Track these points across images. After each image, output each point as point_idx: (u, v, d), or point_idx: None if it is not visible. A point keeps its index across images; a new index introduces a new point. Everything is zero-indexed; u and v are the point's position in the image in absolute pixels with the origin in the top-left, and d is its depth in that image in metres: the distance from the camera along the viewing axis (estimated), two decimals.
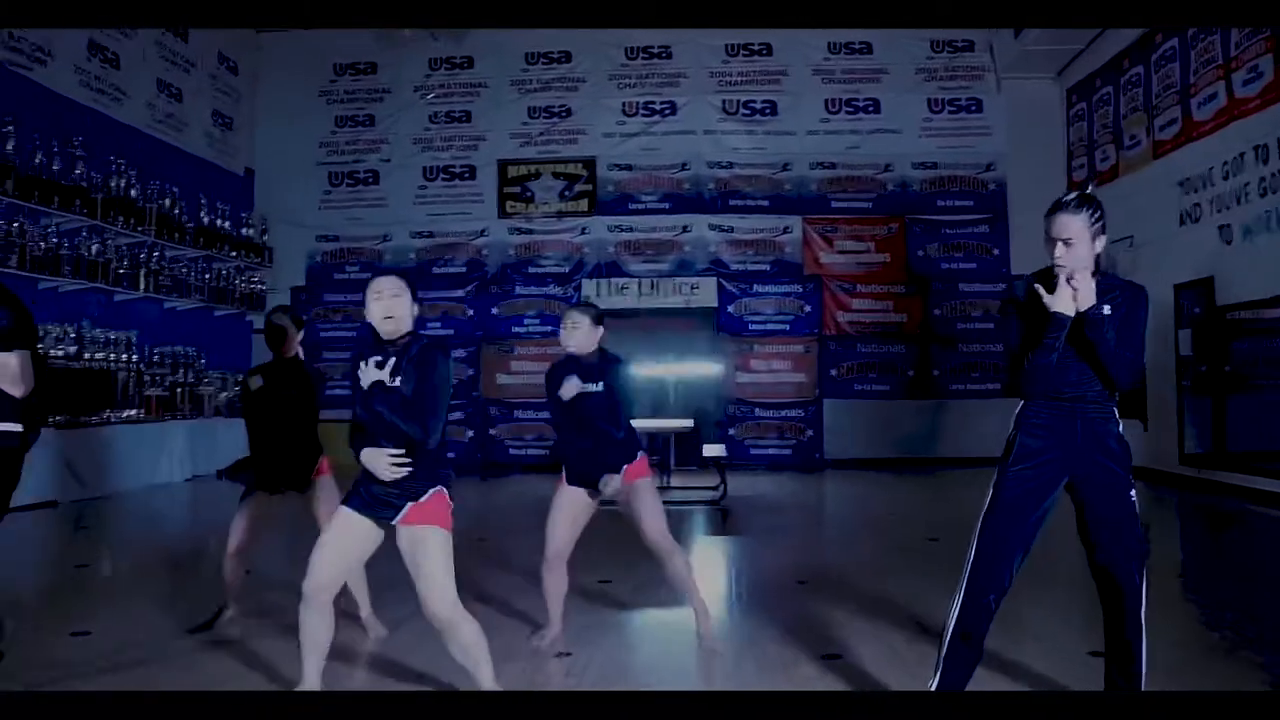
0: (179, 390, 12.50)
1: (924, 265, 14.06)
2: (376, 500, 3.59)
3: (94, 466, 10.58)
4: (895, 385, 13.82)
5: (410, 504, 3.55)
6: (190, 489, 11.75)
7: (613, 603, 5.66)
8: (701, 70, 14.50)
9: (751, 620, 5.29)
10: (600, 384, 4.71)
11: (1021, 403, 3.58)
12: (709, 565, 7.11)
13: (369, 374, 3.61)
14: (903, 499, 10.96)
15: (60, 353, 10.77)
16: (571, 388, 4.69)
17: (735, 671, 4.35)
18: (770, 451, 13.65)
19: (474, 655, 3.59)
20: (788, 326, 14.04)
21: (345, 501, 3.68)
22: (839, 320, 13.98)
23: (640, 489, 4.80)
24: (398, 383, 3.56)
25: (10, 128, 10.25)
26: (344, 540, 3.63)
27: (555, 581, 4.81)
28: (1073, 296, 3.38)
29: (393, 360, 3.60)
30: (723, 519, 9.24)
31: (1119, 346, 3.43)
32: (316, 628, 3.58)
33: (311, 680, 3.59)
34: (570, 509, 4.81)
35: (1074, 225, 3.39)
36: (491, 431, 14.42)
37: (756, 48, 14.41)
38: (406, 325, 3.67)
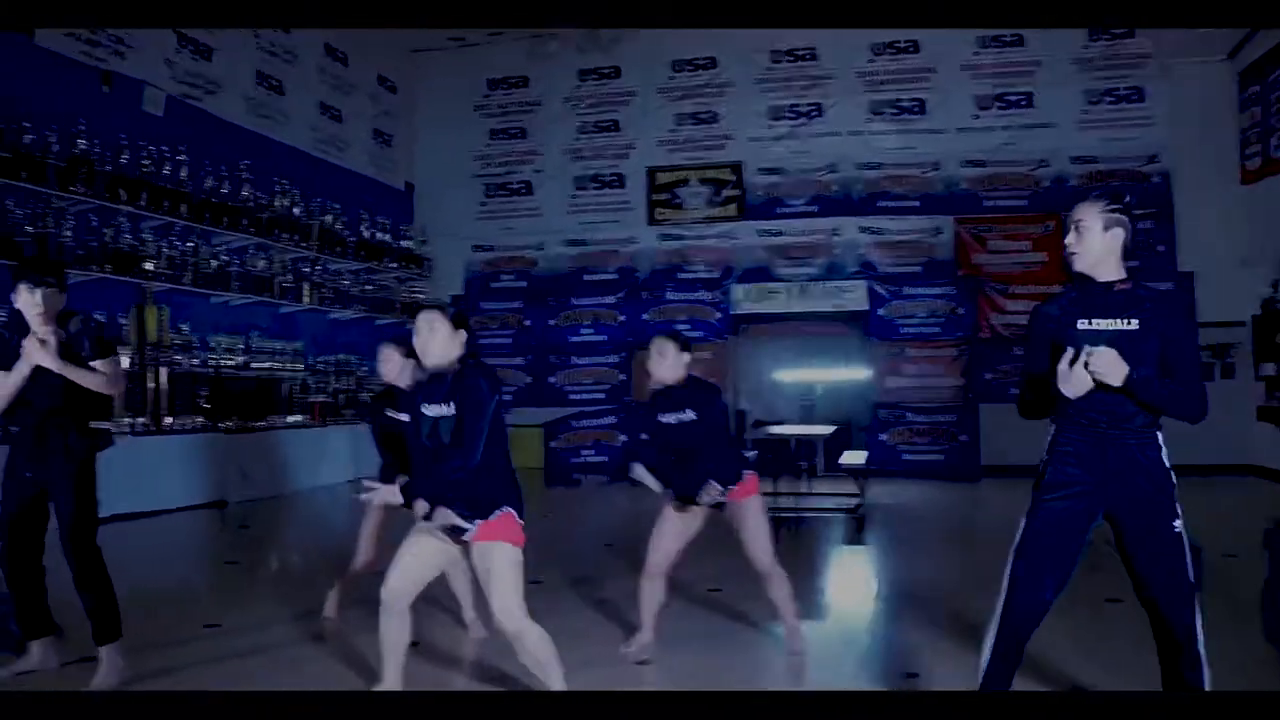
0: (341, 396, 13.18)
1: None
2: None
3: (261, 469, 11.27)
4: None
5: (480, 523, 3.74)
6: (350, 491, 12.34)
7: (718, 610, 5.78)
8: (848, 70, 14.35)
9: (841, 636, 5.36)
10: (693, 412, 4.77)
11: (1054, 428, 3.46)
12: (824, 575, 7.13)
13: (430, 410, 3.79)
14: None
15: (231, 362, 11.52)
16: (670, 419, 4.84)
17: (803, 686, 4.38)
18: (922, 458, 13.50)
19: (542, 662, 3.75)
20: (940, 329, 13.84)
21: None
22: (993, 323, 13.70)
23: (747, 508, 4.89)
24: (449, 409, 3.74)
25: (184, 157, 10.98)
26: (419, 555, 3.86)
27: (652, 592, 4.93)
28: (1091, 379, 3.18)
29: (444, 389, 3.76)
30: (856, 528, 9.22)
31: (1176, 382, 3.23)
32: (394, 631, 3.82)
33: (391, 680, 3.81)
34: (675, 524, 4.91)
35: (1087, 211, 3.32)
36: (643, 436, 14.63)
37: (903, 45, 14.18)
38: (452, 354, 3.77)
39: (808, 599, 5.75)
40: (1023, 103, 13.93)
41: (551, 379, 15.14)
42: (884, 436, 13.67)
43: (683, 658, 4.85)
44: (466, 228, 15.68)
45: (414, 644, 4.04)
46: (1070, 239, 3.35)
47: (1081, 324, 3.32)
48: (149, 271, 10.41)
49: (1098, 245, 3.32)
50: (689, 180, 14.91)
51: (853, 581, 7.18)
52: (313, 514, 10.85)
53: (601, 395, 14.89)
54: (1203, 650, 3.33)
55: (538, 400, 15.03)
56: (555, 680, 3.74)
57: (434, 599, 5.38)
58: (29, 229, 9.28)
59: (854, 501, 10.31)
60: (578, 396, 14.98)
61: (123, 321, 10.20)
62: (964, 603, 5.89)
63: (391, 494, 3.82)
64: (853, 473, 10.65)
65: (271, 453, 11.48)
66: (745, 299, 14.53)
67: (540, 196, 15.51)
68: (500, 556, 3.72)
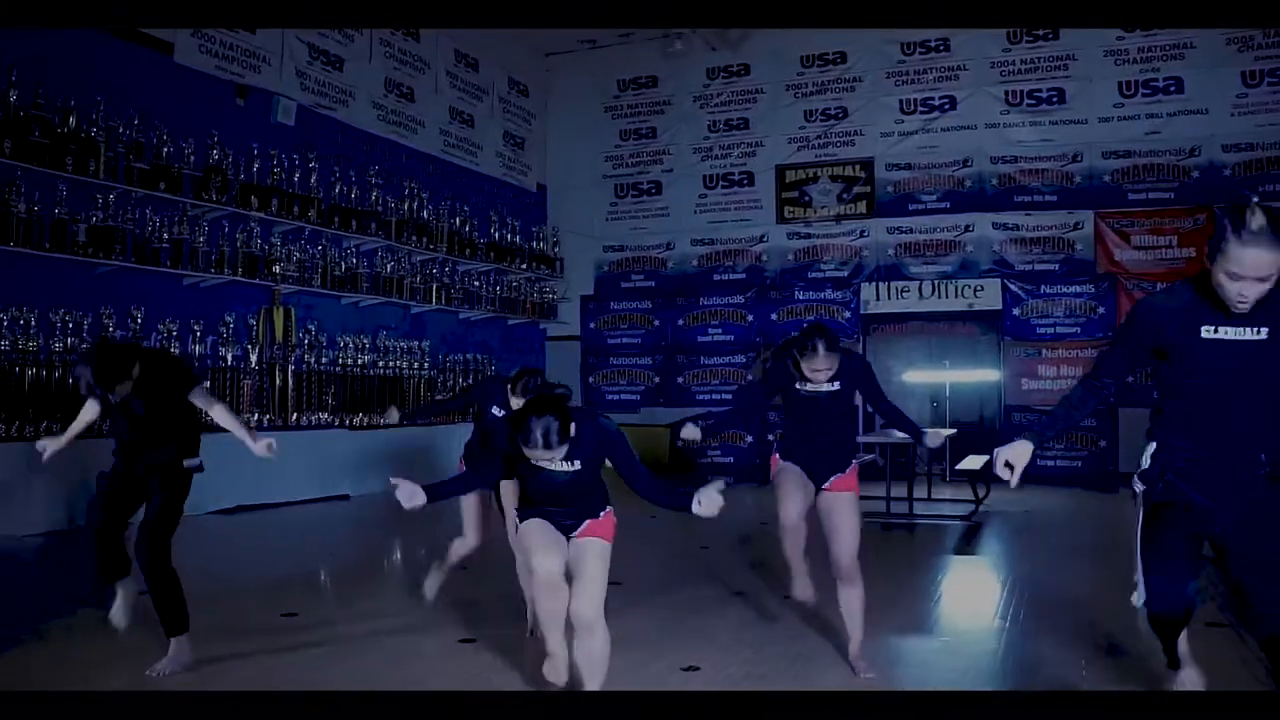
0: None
1: None
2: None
3: (386, 465, 11.61)
4: None
5: (589, 520, 3.95)
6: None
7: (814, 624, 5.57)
8: (982, 61, 13.86)
9: (902, 654, 5.16)
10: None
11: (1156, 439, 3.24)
12: (916, 584, 6.76)
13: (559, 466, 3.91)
14: None
15: (359, 361, 11.90)
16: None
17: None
18: (1059, 463, 12.97)
19: (596, 661, 3.83)
20: (1079, 330, 13.25)
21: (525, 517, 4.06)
22: None
23: (840, 502, 4.86)
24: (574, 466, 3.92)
25: (313, 164, 11.42)
26: (548, 533, 3.98)
27: (793, 539, 5.00)
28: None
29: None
30: (968, 537, 8.91)
31: None
32: (561, 604, 3.88)
33: (561, 651, 3.93)
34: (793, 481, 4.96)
35: (1273, 263, 2.90)
36: (770, 437, 14.53)
37: (1041, 33, 13.59)
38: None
39: (889, 608, 5.58)
40: (1171, 88, 13.18)
41: (679, 379, 15.14)
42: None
43: (740, 662, 4.69)
44: (597, 228, 15.82)
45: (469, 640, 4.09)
46: (1249, 289, 2.98)
47: (1206, 331, 3.09)
48: (277, 274, 10.87)
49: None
50: (818, 177, 14.67)
51: (946, 593, 6.92)
52: (431, 509, 11.09)
53: (729, 395, 14.81)
54: None
55: (665, 400, 15.07)
56: (596, 681, 3.82)
57: (482, 601, 5.49)
58: (165, 236, 9.80)
59: (971, 508, 10.01)
60: (705, 396, 14.94)
61: (252, 322, 10.67)
62: (1064, 622, 5.62)
63: (412, 495, 3.94)
64: (972, 478, 10.35)
65: (395, 449, 11.82)
66: (875, 298, 14.22)
67: (669, 196, 15.51)
68: (598, 550, 3.89)
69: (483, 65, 14.71)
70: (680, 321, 15.22)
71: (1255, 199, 3.10)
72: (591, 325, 15.69)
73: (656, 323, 15.35)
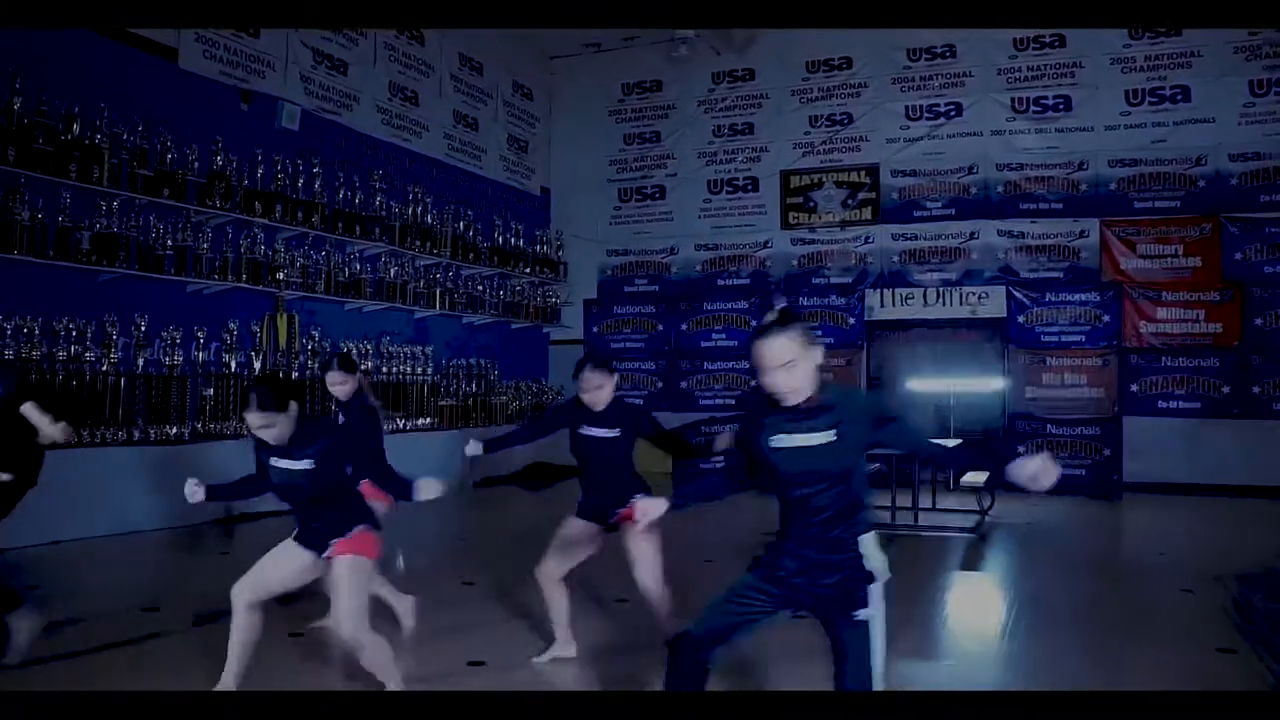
0: (471, 401, 13.42)
1: (1242, 270, 12.74)
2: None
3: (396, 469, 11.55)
4: (1206, 403, 12.69)
5: (337, 540, 4.08)
6: (477, 494, 12.49)
7: None
8: (988, 68, 13.81)
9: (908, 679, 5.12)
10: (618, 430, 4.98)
11: None
12: (924, 604, 6.59)
13: None
14: (1198, 532, 10.12)
15: (363, 367, 11.82)
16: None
17: None
18: (1062, 472, 12.91)
19: (380, 670, 3.99)
20: (1084, 338, 13.20)
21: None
22: (1142, 331, 13.01)
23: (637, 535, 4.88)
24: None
25: (317, 169, 11.38)
26: (278, 562, 4.19)
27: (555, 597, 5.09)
28: None
29: None
30: (973, 551, 8.85)
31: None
32: (239, 630, 4.04)
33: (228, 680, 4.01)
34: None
35: (789, 348, 3.04)
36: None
37: (1048, 40, 13.55)
38: None
39: (906, 630, 5.52)
40: (1178, 96, 13.14)
41: (683, 383, 15.10)
42: (1021, 449, 13.16)
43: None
44: (600, 232, 15.79)
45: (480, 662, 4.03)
46: (782, 379, 3.04)
47: (776, 441, 3.14)
48: (281, 280, 10.83)
49: (807, 372, 3.07)
50: (823, 183, 14.63)
51: (955, 613, 6.87)
52: (438, 513, 11.03)
53: (732, 400, 14.78)
54: None
55: (669, 404, 15.02)
56: (394, 682, 3.99)
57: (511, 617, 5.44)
58: (169, 242, 9.77)
59: (975, 521, 9.96)
60: (708, 401, 14.90)
61: (255, 329, 10.63)
62: (1070, 642, 5.58)
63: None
64: (976, 490, 10.29)
65: (398, 456, 11.75)
66: (880, 304, 14.18)
67: (673, 200, 15.48)
68: (346, 567, 4.02)
69: (487, 69, 14.67)
70: (684, 326, 15.18)
71: (779, 303, 3.35)
72: (595, 329, 15.66)
73: (660, 327, 15.32)
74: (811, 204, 14.70)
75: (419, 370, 12.62)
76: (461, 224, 13.61)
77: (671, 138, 15.45)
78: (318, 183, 11.39)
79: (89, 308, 9.08)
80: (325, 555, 4.07)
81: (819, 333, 13.89)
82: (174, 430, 9.41)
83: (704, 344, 15.05)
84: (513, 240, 14.66)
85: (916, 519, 10.09)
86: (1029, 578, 7.90)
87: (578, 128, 15.89)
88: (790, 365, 3.02)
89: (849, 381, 14.11)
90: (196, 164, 10.07)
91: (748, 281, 14.96)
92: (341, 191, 11.77)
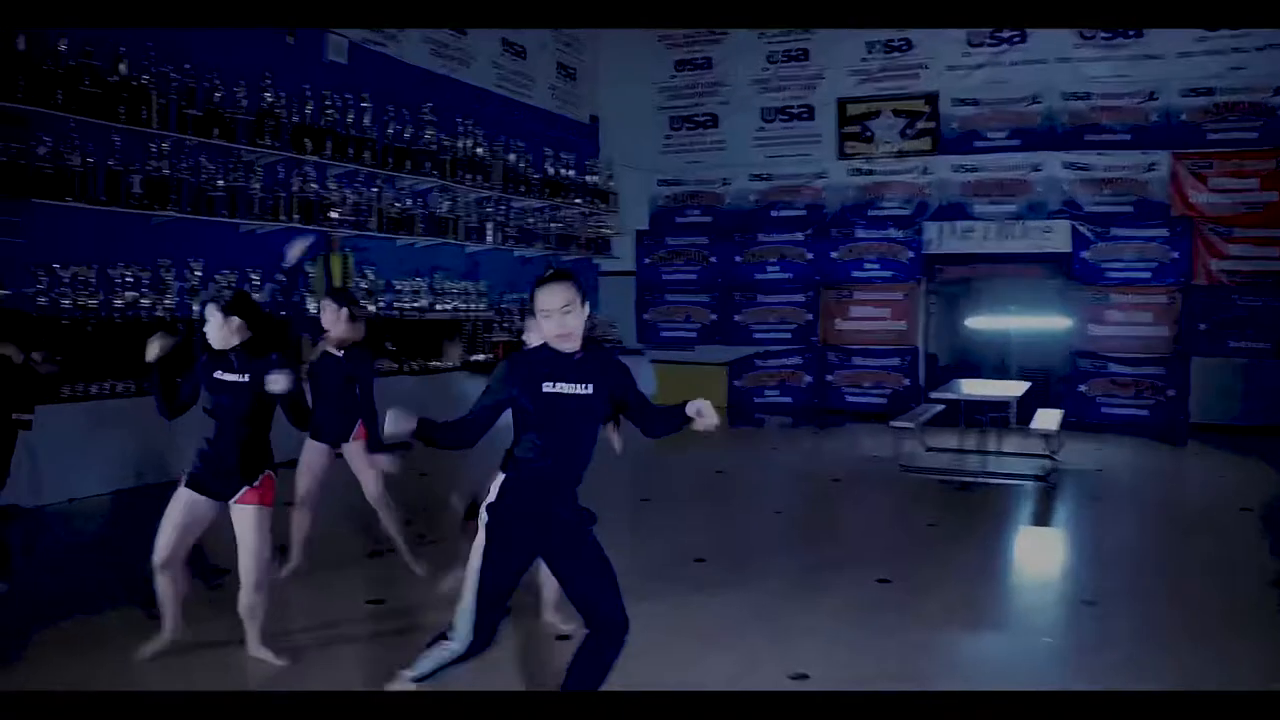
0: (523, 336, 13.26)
1: None
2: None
3: (445, 409, 11.51)
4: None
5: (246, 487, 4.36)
6: None
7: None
8: None
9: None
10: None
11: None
12: (1000, 567, 6.47)
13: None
14: (1263, 478, 9.84)
15: (416, 305, 11.76)
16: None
17: None
18: (1124, 411, 12.67)
19: (250, 620, 4.39)
20: (1150, 274, 12.82)
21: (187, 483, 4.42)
22: (1211, 268, 12.60)
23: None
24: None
25: (366, 104, 11.16)
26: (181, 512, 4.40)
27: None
28: None
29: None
30: (1042, 503, 8.64)
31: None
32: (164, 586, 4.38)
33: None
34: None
35: (568, 293, 3.38)
36: (829, 378, 14.33)
37: None
38: None
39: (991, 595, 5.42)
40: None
41: (737, 317, 14.89)
42: (1083, 388, 12.91)
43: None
44: (652, 161, 15.48)
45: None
46: (560, 326, 3.34)
47: (547, 387, 3.37)
48: (334, 218, 10.69)
49: (581, 322, 3.39)
50: (881, 112, 14.20)
51: (1034, 574, 6.71)
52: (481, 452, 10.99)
53: (788, 335, 14.58)
54: None
55: (723, 338, 14.86)
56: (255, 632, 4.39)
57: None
58: (220, 183, 9.63)
59: (1044, 467, 9.71)
60: (763, 335, 14.71)
61: (310, 270, 10.51)
62: (1178, 614, 5.42)
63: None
64: (1045, 437, 10.05)
65: (453, 392, 11.71)
66: (939, 238, 13.85)
67: (726, 129, 15.11)
68: (259, 516, 4.36)
69: None
70: (737, 258, 14.92)
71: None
72: (646, 261, 15.44)
73: (713, 259, 15.07)
74: (869, 133, 14.29)
75: (473, 306, 12.50)
76: (513, 155, 13.36)
77: (724, 64, 15.03)
78: (366, 117, 11.17)
79: (144, 253, 9.00)
80: (234, 500, 4.34)
81: (877, 266, 13.80)
82: None
83: (758, 276, 14.79)
84: (563, 171, 14.38)
85: (986, 466, 9.95)
86: (1110, 534, 7.72)
87: (627, 54, 15.46)
88: (568, 309, 3.32)
89: (908, 318, 13.91)
90: (245, 102, 9.87)
91: (803, 213, 14.63)
92: (391, 126, 11.55)
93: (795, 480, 10.03)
